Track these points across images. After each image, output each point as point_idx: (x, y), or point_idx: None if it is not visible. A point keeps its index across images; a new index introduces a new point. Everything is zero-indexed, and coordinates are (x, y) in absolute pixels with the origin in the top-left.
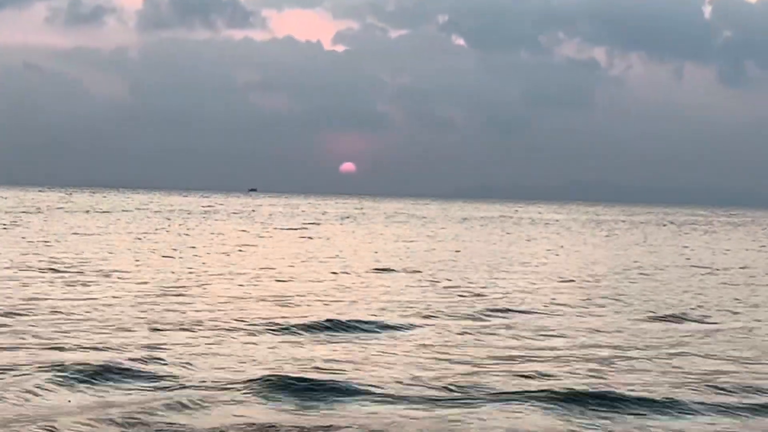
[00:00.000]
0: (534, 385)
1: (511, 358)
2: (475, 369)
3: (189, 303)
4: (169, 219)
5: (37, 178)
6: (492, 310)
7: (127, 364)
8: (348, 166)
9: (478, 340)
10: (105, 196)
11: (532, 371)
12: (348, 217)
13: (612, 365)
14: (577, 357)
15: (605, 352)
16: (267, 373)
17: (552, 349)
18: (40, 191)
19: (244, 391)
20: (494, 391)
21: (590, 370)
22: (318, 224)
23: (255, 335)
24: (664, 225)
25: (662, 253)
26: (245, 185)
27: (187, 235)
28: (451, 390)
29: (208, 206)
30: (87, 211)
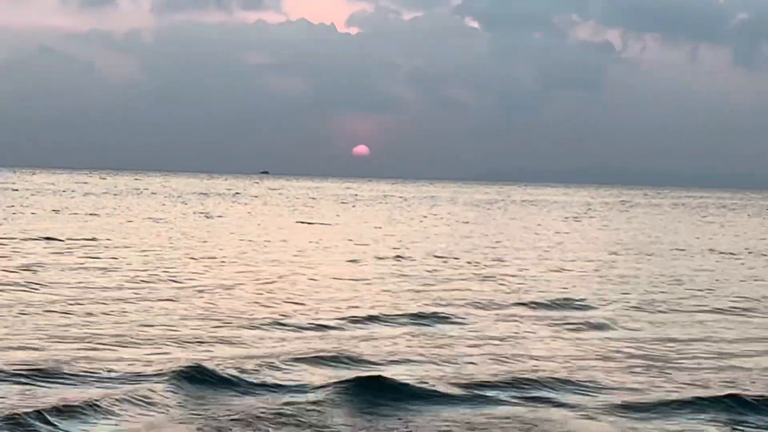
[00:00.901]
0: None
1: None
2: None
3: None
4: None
5: (50, 161)
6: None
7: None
8: (361, 149)
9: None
10: (137, 178)
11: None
12: (382, 202)
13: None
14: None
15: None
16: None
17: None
18: (55, 174)
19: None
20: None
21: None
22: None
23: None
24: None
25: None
26: (257, 168)
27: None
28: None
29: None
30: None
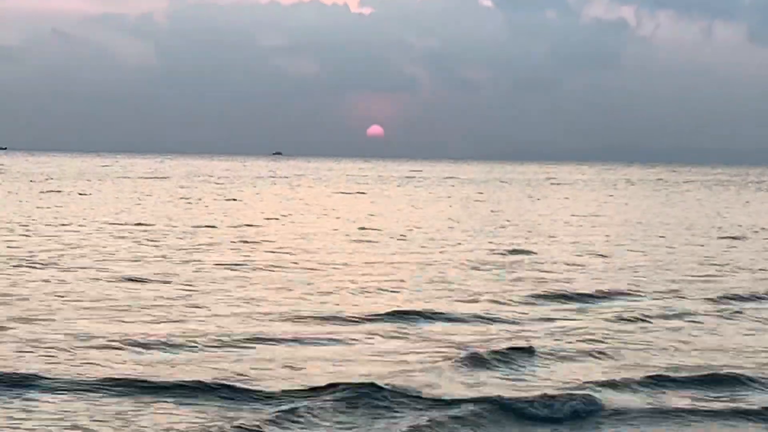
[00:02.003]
0: None
1: None
2: None
3: None
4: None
5: (66, 144)
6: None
7: None
8: (375, 129)
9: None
10: (161, 161)
11: None
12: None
13: None
14: None
15: None
16: None
17: None
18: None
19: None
20: None
21: None
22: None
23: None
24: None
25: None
26: (270, 149)
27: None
28: None
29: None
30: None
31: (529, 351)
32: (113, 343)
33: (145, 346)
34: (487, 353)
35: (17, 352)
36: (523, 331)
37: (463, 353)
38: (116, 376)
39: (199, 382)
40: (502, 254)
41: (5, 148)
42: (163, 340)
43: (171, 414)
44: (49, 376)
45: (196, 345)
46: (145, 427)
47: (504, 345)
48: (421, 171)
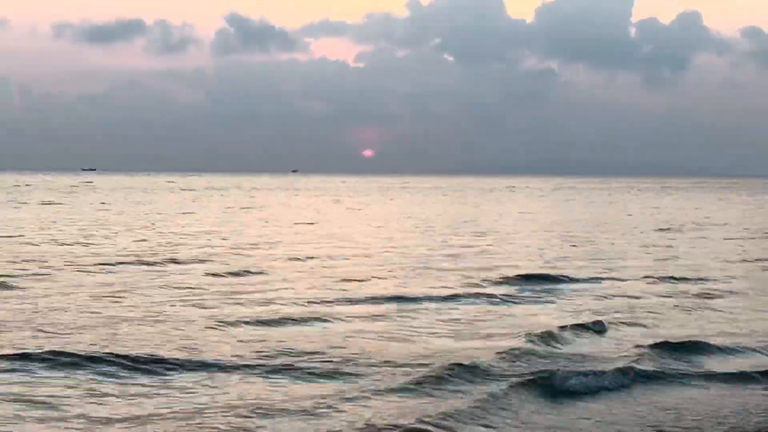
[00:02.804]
0: None
1: None
2: None
3: None
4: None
5: (138, 165)
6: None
7: None
8: (368, 152)
9: None
10: (211, 180)
11: None
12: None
13: None
14: None
15: None
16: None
17: None
18: (148, 175)
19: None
20: None
21: None
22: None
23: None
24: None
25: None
26: (289, 167)
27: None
28: None
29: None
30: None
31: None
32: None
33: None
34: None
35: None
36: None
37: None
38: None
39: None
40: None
41: (95, 169)
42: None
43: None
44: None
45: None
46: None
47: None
48: (407, 182)
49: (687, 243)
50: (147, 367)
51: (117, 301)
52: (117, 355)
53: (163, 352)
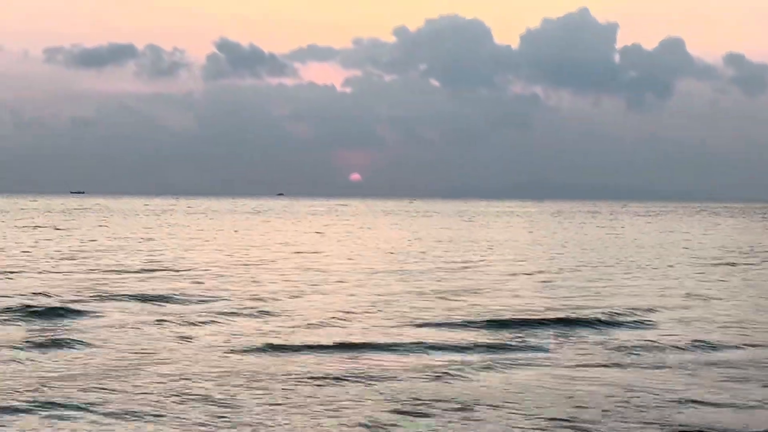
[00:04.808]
0: None
1: None
2: None
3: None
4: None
5: (127, 188)
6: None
7: None
8: (355, 176)
9: None
10: (202, 202)
11: None
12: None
13: None
14: None
15: None
16: None
17: None
18: (147, 198)
19: None
20: None
21: None
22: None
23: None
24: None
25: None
26: (274, 191)
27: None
28: None
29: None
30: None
31: None
32: None
33: None
34: None
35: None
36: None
37: None
38: None
39: None
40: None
41: (84, 192)
42: None
43: None
44: None
45: None
46: None
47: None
48: (410, 204)
49: None
50: None
51: None
52: None
53: None
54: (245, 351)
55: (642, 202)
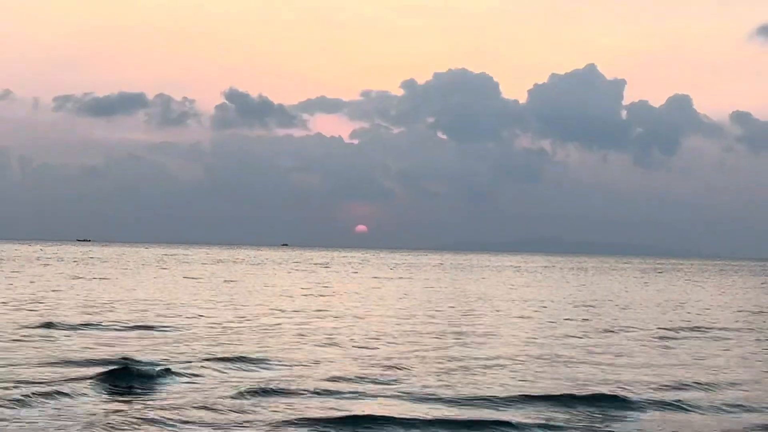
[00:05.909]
0: None
1: None
2: None
3: None
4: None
5: (134, 236)
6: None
7: None
8: (361, 228)
9: None
10: (208, 252)
11: None
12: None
13: None
14: None
15: None
16: None
17: None
18: (146, 247)
19: None
20: None
21: None
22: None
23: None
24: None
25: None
26: (279, 241)
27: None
28: None
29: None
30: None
31: None
32: None
33: None
34: None
35: None
36: None
37: None
38: None
39: None
40: None
41: (90, 240)
42: None
43: None
44: None
45: None
46: None
47: None
48: (407, 258)
49: None
50: None
51: None
52: None
53: None
54: None
55: (645, 258)
